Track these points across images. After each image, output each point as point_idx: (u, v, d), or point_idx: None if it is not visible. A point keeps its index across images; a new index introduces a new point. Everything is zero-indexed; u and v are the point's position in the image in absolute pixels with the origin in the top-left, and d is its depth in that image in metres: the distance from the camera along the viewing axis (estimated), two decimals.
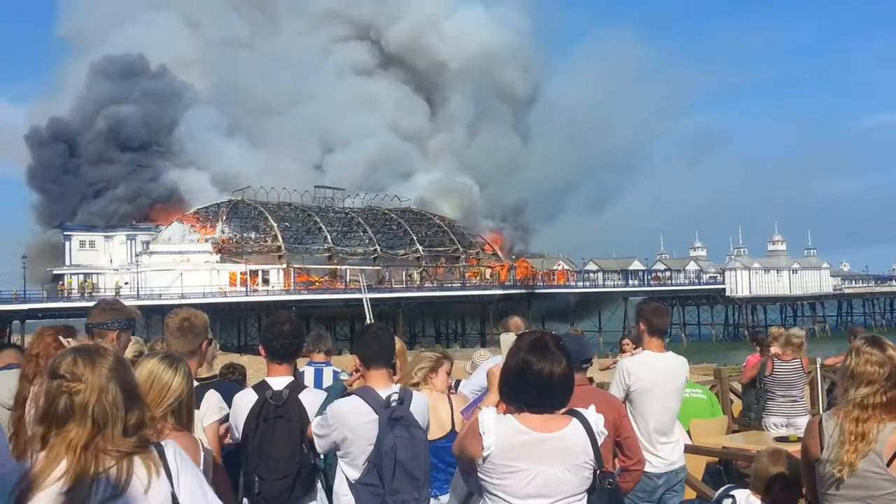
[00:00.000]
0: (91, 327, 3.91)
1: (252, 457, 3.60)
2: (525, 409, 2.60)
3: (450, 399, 4.26)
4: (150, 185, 73.93)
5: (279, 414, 3.64)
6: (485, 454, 2.54)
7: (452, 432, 4.02)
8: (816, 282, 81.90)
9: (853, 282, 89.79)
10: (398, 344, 4.25)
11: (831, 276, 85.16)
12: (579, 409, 2.67)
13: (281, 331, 3.80)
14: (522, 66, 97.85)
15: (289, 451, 3.61)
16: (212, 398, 3.51)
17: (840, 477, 3.02)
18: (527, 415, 2.59)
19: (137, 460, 1.98)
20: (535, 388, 2.59)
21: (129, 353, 4.62)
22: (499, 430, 2.55)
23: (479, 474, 2.59)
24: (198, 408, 3.41)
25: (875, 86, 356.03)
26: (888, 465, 2.97)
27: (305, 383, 4.27)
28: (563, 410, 2.66)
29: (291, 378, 3.82)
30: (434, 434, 3.96)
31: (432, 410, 4.08)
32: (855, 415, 3.02)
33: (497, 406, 2.71)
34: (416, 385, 4.14)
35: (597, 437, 2.62)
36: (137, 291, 54.52)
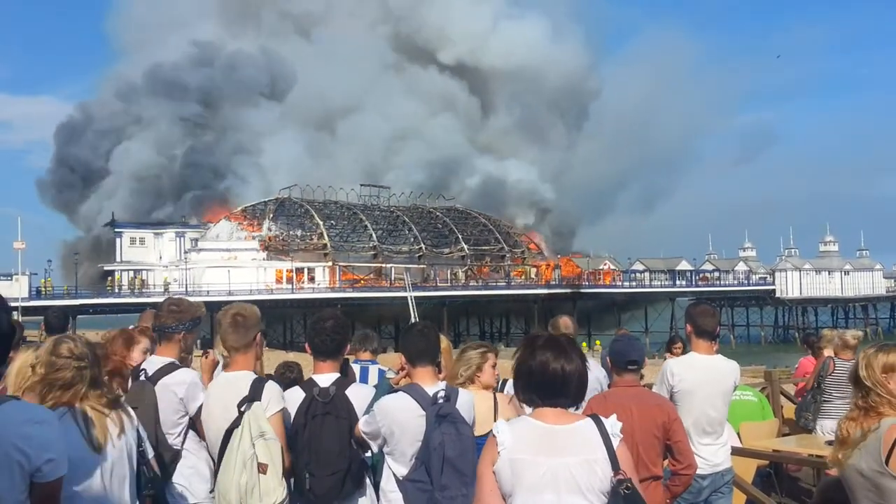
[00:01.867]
0: (157, 330, 4.03)
1: (302, 453, 3.63)
2: (540, 404, 2.70)
3: (495, 397, 4.28)
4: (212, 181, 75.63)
5: (327, 410, 3.67)
6: (500, 450, 2.60)
7: None
8: (869, 283, 79.87)
9: None
10: (443, 342, 4.27)
11: (884, 277, 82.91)
12: (594, 413, 2.77)
13: (323, 327, 3.83)
14: (572, 72, 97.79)
15: (338, 447, 3.64)
16: (272, 389, 3.57)
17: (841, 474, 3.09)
18: (541, 410, 2.69)
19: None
20: (549, 384, 2.68)
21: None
22: (512, 427, 2.66)
23: (498, 481, 2.62)
24: (259, 399, 3.49)
25: None
26: (886, 461, 2.95)
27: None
28: (614, 403, 2.81)
29: (338, 374, 3.86)
30: (476, 431, 3.98)
31: (476, 407, 4.11)
32: (853, 415, 3.13)
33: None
34: (463, 384, 4.16)
35: (611, 438, 2.64)
36: (186, 288, 55.54)
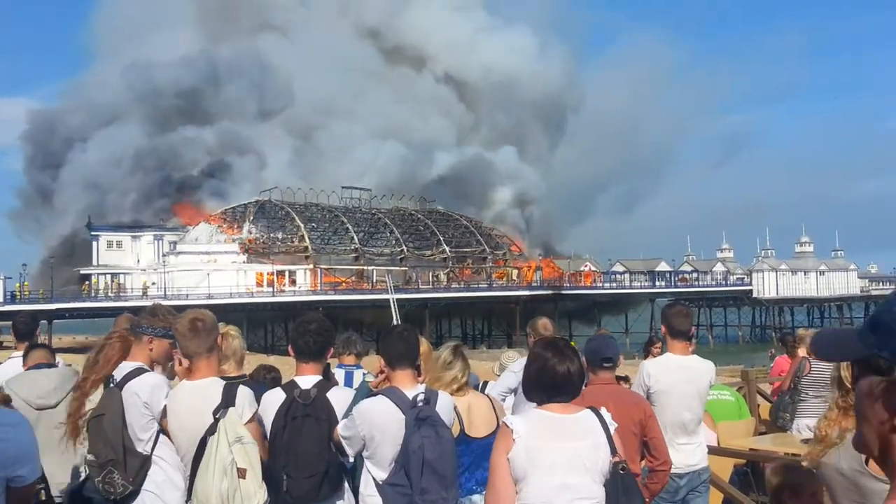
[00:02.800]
0: (133, 328, 4.01)
1: (280, 455, 3.63)
2: (546, 400, 3.11)
3: (490, 397, 4.34)
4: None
5: (307, 412, 3.66)
6: (514, 437, 2.96)
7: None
8: (844, 283, 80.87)
9: (881, 283, 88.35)
10: (423, 345, 4.28)
11: (859, 277, 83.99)
12: (593, 406, 3.19)
13: (307, 329, 3.82)
14: (554, 85, 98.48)
15: (317, 450, 3.64)
16: (245, 393, 3.55)
17: (822, 474, 3.13)
18: (548, 405, 3.11)
19: None
20: (555, 383, 3.10)
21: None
22: (524, 419, 3.06)
23: (511, 468, 2.98)
24: (234, 405, 3.48)
25: None
26: (866, 462, 3.01)
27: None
28: (589, 401, 3.21)
29: (320, 377, 3.85)
30: (481, 432, 4.11)
31: (476, 410, 4.13)
32: (831, 415, 3.22)
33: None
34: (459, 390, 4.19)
35: (608, 425, 3.10)
36: (164, 292, 54.97)
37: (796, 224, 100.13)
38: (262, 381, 5.69)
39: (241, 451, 3.36)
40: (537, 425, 3.01)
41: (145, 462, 3.70)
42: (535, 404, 3.17)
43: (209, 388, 3.53)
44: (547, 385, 3.11)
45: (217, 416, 3.44)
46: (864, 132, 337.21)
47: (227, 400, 3.48)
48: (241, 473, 3.34)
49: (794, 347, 8.94)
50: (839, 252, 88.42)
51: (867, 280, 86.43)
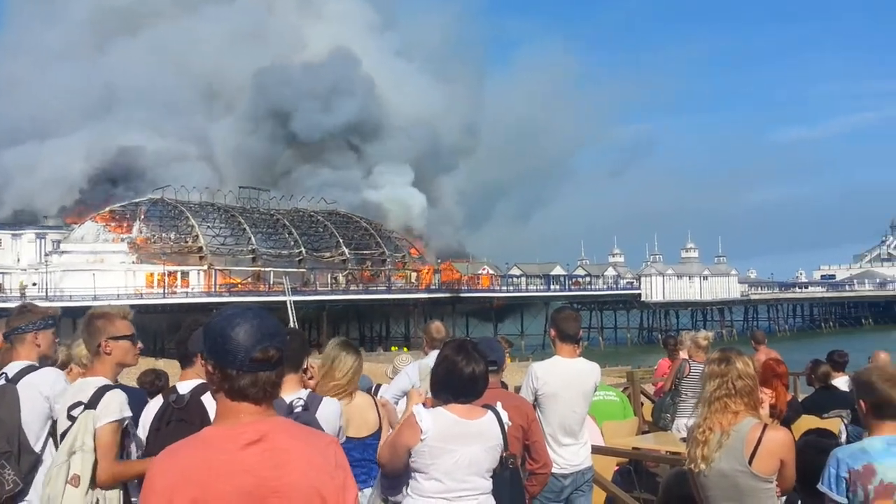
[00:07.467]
0: (7, 335, 3.84)
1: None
2: (452, 400, 3.25)
3: (376, 402, 4.36)
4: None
5: (181, 417, 3.55)
6: (422, 437, 3.12)
7: (379, 431, 4.19)
8: (725, 288, 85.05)
9: (759, 288, 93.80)
10: (336, 352, 4.24)
11: (739, 282, 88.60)
12: (490, 404, 3.35)
13: (185, 335, 3.73)
14: (453, 127, 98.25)
15: None
16: (111, 397, 3.33)
17: (697, 474, 3.27)
18: (454, 405, 3.24)
19: None
20: (461, 383, 3.25)
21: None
22: (434, 418, 3.18)
23: (412, 459, 3.17)
24: (94, 408, 3.29)
25: (785, 102, 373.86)
26: (749, 462, 3.21)
27: None
28: (480, 405, 3.31)
29: (201, 381, 3.77)
30: (360, 432, 4.13)
31: (360, 412, 4.14)
32: (703, 412, 3.33)
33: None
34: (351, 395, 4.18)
35: (505, 425, 3.30)
36: (46, 292, 52.19)
37: (683, 231, 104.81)
38: (147, 387, 5.53)
39: (79, 457, 3.18)
40: (444, 428, 3.17)
41: (37, 462, 3.58)
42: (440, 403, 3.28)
43: (89, 387, 3.37)
44: (454, 386, 3.25)
45: (74, 416, 3.28)
46: (749, 144, 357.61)
47: (92, 401, 3.31)
48: (74, 481, 3.16)
49: (675, 350, 9.39)
50: (722, 258, 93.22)
51: (747, 285, 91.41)
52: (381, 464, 3.41)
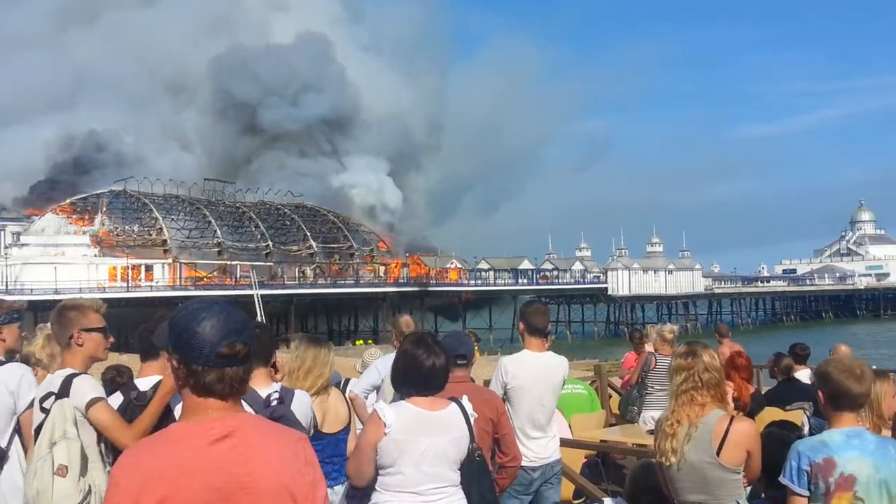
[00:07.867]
0: None
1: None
2: (414, 393, 3.25)
3: (346, 398, 4.35)
4: None
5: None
6: (387, 431, 3.12)
7: (349, 425, 4.23)
8: (690, 282, 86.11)
9: (723, 282, 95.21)
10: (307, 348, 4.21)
11: (703, 276, 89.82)
12: (455, 397, 3.35)
13: (149, 328, 3.63)
14: (419, 123, 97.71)
15: None
16: (81, 381, 3.28)
17: (668, 467, 3.31)
18: (416, 398, 3.25)
19: None
20: (422, 376, 3.26)
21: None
22: (396, 412, 3.19)
23: (379, 456, 3.16)
24: (67, 396, 3.23)
25: (749, 98, 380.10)
26: (717, 453, 3.26)
27: None
28: (444, 397, 3.31)
29: (161, 377, 3.71)
30: (334, 427, 4.11)
31: (334, 407, 4.13)
32: (671, 405, 3.38)
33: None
34: (324, 390, 4.16)
35: (470, 417, 3.31)
36: (6, 286, 51.11)
37: (648, 225, 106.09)
38: (108, 384, 5.43)
39: (63, 447, 3.12)
40: (407, 421, 3.17)
41: (2, 457, 3.50)
42: (402, 397, 3.29)
43: (56, 379, 3.31)
44: (414, 379, 3.26)
45: (46, 407, 3.22)
46: (712, 140, 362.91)
47: (63, 390, 3.25)
48: (61, 471, 3.10)
49: (640, 343, 9.49)
50: (686, 252, 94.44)
51: (710, 279, 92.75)
52: (349, 475, 3.36)
